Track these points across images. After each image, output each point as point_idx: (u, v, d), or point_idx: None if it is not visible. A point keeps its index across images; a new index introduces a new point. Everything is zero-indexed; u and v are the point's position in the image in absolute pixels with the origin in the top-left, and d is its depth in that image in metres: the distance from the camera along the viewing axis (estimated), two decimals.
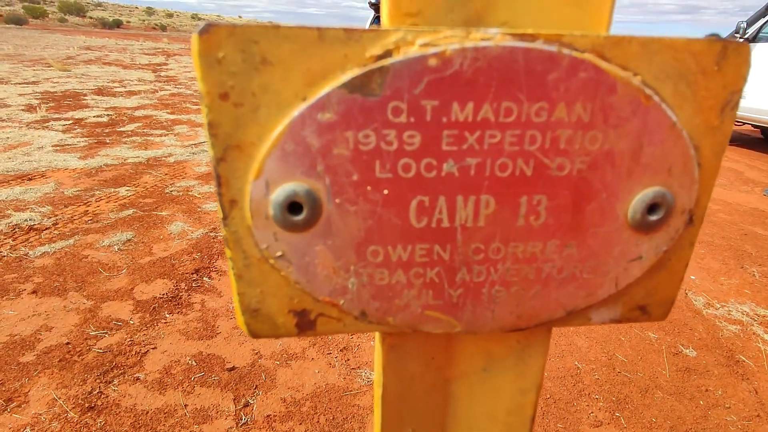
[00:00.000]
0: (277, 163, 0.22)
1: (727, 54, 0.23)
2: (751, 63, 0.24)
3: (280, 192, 0.23)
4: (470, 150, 0.23)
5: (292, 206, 0.23)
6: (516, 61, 0.22)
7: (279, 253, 0.24)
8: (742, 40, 5.86)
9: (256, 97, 0.22)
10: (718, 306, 2.51)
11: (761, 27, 5.72)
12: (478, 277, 0.26)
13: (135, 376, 1.80)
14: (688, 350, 2.12)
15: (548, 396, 1.84)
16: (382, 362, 0.30)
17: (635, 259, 0.27)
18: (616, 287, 0.28)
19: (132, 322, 2.11)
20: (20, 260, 2.53)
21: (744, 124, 6.25)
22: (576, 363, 2.01)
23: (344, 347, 2.03)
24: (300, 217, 0.23)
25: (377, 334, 0.30)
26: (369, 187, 0.23)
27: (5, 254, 2.57)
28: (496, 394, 0.33)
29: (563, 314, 0.28)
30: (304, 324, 0.26)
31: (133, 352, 1.94)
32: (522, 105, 0.23)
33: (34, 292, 2.29)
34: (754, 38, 5.75)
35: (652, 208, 0.26)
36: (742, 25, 5.84)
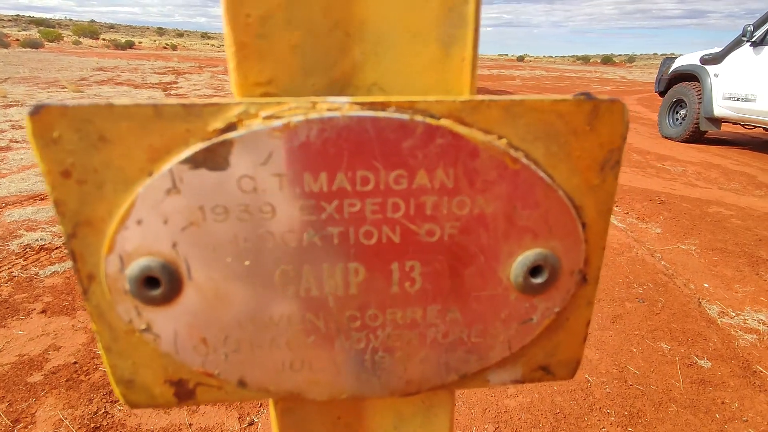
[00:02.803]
0: (129, 238, 0.22)
1: (599, 113, 0.22)
2: (628, 120, 0.22)
3: (134, 267, 0.22)
4: (330, 219, 0.22)
5: (150, 280, 0.23)
6: (366, 131, 0.21)
7: (143, 327, 0.24)
8: (749, 43, 5.76)
9: (99, 173, 0.21)
10: (733, 314, 2.44)
11: None
12: (357, 345, 0.25)
13: None
14: (702, 361, 2.06)
15: (558, 411, 1.80)
16: (279, 429, 0.29)
17: (526, 321, 0.26)
18: (510, 350, 0.26)
19: None
20: (31, 280, 2.58)
21: (755, 127, 6.14)
22: (586, 376, 1.95)
23: None
24: (158, 292, 0.23)
25: (270, 399, 0.29)
26: (228, 259, 0.23)
27: (16, 274, 2.62)
28: None
29: (456, 378, 0.27)
30: (183, 393, 0.26)
31: None
32: (379, 173, 0.22)
33: (43, 311, 2.32)
34: (762, 41, 5.69)
35: (535, 270, 0.24)
36: (749, 29, 5.79)
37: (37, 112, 0.20)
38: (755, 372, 1.99)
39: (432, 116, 0.21)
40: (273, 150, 0.21)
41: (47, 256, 2.86)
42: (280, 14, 0.21)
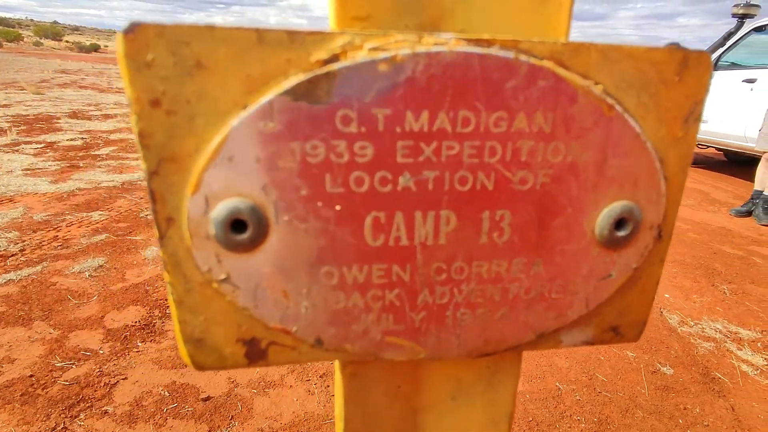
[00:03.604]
0: (217, 176, 0.21)
1: (688, 64, 0.23)
2: (712, 74, 0.23)
3: (221, 209, 0.21)
4: (427, 162, 0.22)
5: (236, 224, 0.21)
6: (471, 68, 0.21)
7: (222, 276, 0.22)
8: None
9: (191, 104, 0.20)
10: (692, 324, 2.52)
11: (720, 56, 6.08)
12: (441, 299, 0.24)
13: (103, 409, 1.68)
14: (665, 368, 2.12)
15: (530, 419, 1.80)
16: (343, 393, 0.27)
17: (605, 277, 0.25)
18: (587, 307, 0.26)
19: (102, 352, 1.97)
20: None
21: (708, 147, 6.54)
22: (557, 384, 1.98)
23: (324, 373, 1.96)
24: (244, 236, 0.21)
25: (336, 363, 0.28)
26: (320, 203, 0.22)
27: None
28: (467, 425, 0.31)
29: (533, 337, 0.26)
30: (255, 354, 0.24)
31: (102, 384, 1.82)
32: (480, 114, 0.21)
33: None
34: (714, 66, 6.11)
35: (619, 223, 0.24)
36: None
37: (132, 30, 0.18)
38: (714, 378, 2.06)
39: (534, 56, 0.21)
40: (377, 84, 0.20)
41: (2, 263, 2.69)
42: None
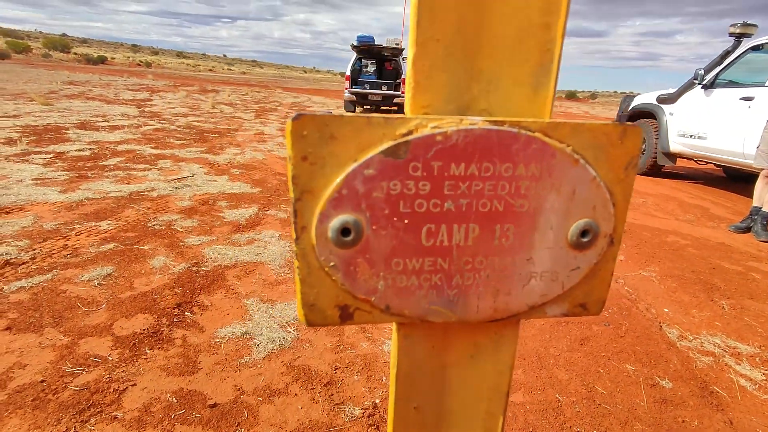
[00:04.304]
0: (336, 202, 0.34)
1: (626, 134, 0.36)
2: (643, 137, 0.37)
3: (336, 221, 0.34)
4: (463, 194, 0.35)
5: (344, 230, 0.34)
6: (491, 138, 0.34)
7: (332, 264, 0.35)
8: (700, 85, 6.07)
9: (325, 159, 0.33)
10: (691, 338, 2.57)
11: (717, 74, 6.12)
12: (467, 282, 0.38)
13: (113, 414, 1.73)
14: (664, 381, 2.16)
15: (531, 430, 1.82)
16: (397, 348, 0.40)
17: (575, 269, 0.39)
18: (563, 289, 0.39)
19: (111, 359, 2.02)
20: None
21: (707, 163, 6.54)
22: (557, 396, 2.03)
23: (328, 382, 2.00)
24: (349, 239, 0.34)
25: (394, 326, 0.40)
26: (395, 218, 0.35)
27: None
28: (481, 375, 0.44)
29: (527, 309, 0.39)
30: (345, 316, 0.37)
31: (111, 390, 1.85)
32: (496, 165, 0.35)
33: (8, 328, 2.17)
34: (712, 84, 6.12)
35: (583, 233, 0.38)
36: (700, 72, 6.21)
37: (298, 118, 0.32)
38: (712, 392, 2.11)
39: (530, 130, 0.35)
40: (435, 147, 0.34)
41: (13, 271, 2.72)
42: (439, 63, 0.35)
